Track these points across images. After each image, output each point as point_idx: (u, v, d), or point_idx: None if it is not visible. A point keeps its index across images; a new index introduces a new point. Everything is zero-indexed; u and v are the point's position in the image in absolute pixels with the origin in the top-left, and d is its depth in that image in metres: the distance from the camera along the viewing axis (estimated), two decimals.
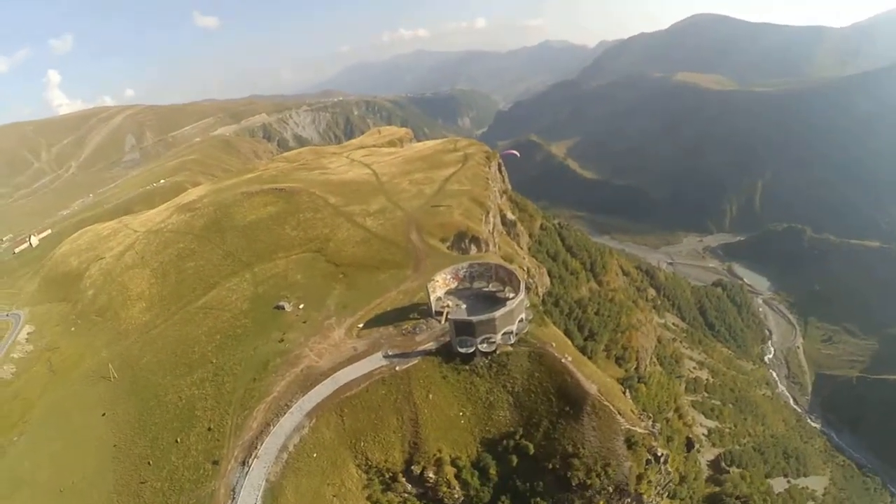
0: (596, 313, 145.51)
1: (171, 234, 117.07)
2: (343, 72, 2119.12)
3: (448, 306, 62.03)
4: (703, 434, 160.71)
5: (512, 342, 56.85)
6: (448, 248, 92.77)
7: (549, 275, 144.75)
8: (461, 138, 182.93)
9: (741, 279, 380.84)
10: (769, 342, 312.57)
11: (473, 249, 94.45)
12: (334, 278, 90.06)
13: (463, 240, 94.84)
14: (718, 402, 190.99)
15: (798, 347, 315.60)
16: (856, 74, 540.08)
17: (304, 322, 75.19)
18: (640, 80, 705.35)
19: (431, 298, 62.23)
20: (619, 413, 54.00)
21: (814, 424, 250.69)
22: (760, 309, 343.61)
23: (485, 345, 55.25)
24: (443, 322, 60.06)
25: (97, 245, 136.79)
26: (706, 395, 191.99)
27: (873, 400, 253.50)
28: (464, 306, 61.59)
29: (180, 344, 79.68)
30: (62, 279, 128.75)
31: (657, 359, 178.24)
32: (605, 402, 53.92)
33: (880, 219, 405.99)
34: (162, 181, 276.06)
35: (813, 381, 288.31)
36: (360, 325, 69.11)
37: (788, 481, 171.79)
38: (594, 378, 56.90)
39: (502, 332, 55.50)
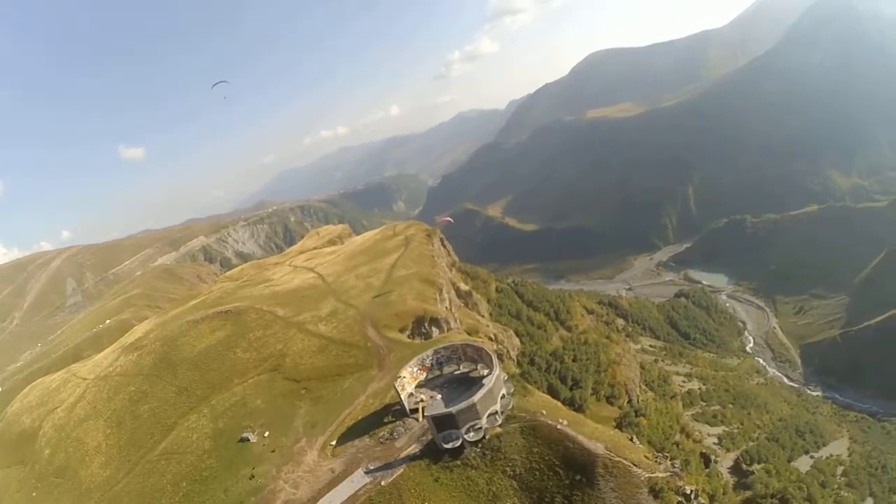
0: (574, 360, 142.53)
1: (120, 377, 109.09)
2: (273, 181, 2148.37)
3: (422, 401, 57.54)
4: (715, 443, 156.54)
5: (500, 422, 52.58)
6: (409, 336, 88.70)
7: (518, 334, 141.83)
8: (399, 222, 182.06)
9: (700, 282, 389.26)
10: (746, 332, 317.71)
11: (435, 332, 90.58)
12: (297, 396, 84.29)
13: (422, 324, 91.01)
14: (718, 407, 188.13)
15: (775, 328, 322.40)
16: (746, 64, 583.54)
17: (273, 451, 68.98)
18: (556, 127, 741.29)
19: (402, 397, 57.72)
20: (635, 464, 49.90)
21: (814, 393, 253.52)
22: (727, 304, 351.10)
23: (471, 433, 50.76)
24: (420, 420, 55.40)
25: (48, 399, 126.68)
26: (703, 404, 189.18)
27: (863, 349, 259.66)
28: (439, 397, 57.13)
29: (145, 498, 72.02)
30: (17, 440, 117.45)
31: (646, 385, 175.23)
32: (617, 458, 49.78)
33: (810, 183, 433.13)
34: (108, 321, 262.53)
35: (799, 353, 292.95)
36: (334, 443, 63.47)
37: (811, 457, 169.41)
38: (597, 435, 52.86)
39: (487, 414, 51.28)
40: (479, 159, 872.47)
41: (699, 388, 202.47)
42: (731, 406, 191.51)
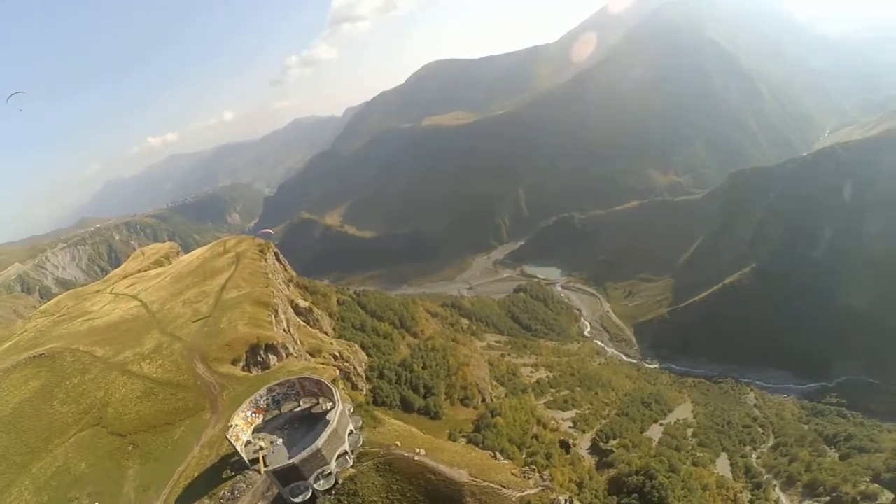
0: (423, 367, 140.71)
1: None
2: (98, 195, 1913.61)
3: (262, 448, 50.12)
4: (571, 427, 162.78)
5: (351, 463, 47.15)
6: (243, 368, 79.23)
7: (364, 347, 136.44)
8: (230, 237, 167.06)
9: (536, 277, 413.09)
10: (582, 319, 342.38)
11: (273, 360, 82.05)
12: (124, 454, 71.47)
13: (257, 353, 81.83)
14: (567, 392, 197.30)
15: (608, 311, 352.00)
16: (573, 77, 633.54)
17: None
18: (392, 134, 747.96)
19: (238, 447, 49.99)
20: (504, 486, 47.04)
21: (652, 366, 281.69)
22: (563, 295, 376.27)
23: (321, 482, 44.85)
24: (262, 472, 48.12)
25: None
26: (553, 390, 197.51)
27: (690, 323, 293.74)
28: (280, 441, 50.11)
29: None
30: None
31: (497, 381, 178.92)
32: (484, 483, 46.52)
33: (632, 182, 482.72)
34: None
35: (633, 332, 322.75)
36: None
37: (661, 424, 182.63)
38: (459, 461, 49.32)
39: (336, 456, 45.67)
40: (316, 167, 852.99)
41: (547, 377, 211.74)
42: (578, 389, 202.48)
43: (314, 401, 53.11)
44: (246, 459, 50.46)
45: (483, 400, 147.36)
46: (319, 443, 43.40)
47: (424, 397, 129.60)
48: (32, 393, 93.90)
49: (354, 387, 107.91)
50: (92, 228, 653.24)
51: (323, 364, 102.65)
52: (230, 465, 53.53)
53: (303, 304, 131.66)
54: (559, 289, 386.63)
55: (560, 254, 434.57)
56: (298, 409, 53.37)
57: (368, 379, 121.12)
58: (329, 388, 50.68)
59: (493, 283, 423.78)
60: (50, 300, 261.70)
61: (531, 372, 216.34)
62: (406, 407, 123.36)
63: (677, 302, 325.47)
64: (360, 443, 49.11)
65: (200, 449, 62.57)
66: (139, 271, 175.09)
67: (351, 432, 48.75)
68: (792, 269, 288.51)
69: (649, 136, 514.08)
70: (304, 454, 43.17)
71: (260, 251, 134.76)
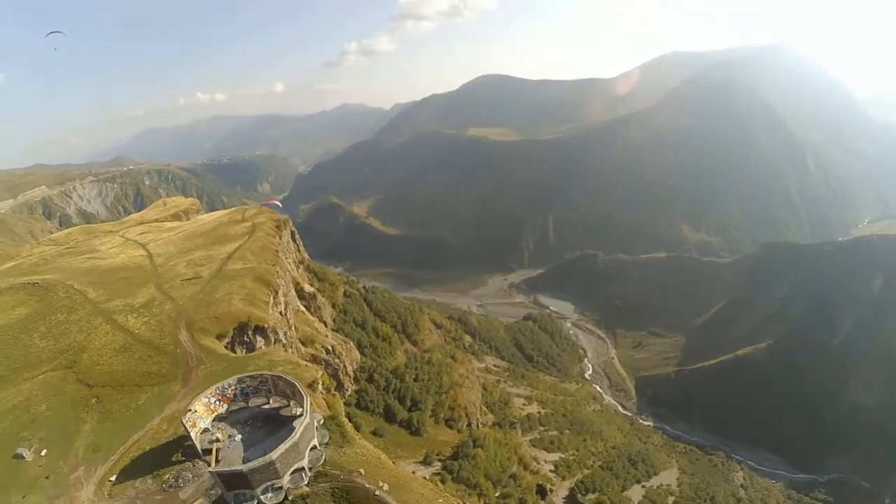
0: (415, 380, 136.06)
1: None
2: (137, 137, 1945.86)
3: (218, 440, 45.82)
4: (552, 471, 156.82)
5: (306, 482, 42.49)
6: (227, 345, 75.17)
7: (360, 346, 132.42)
8: (251, 206, 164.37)
9: (548, 308, 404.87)
10: (586, 360, 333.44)
11: (260, 342, 77.96)
12: (85, 406, 67.64)
13: (245, 333, 77.73)
14: (556, 432, 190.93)
15: (613, 358, 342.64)
16: (623, 116, 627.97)
17: (48, 477, 53.33)
18: (435, 137, 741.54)
19: (193, 434, 45.72)
20: None
21: (646, 423, 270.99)
22: (571, 332, 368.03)
23: (270, 495, 40.29)
24: (210, 468, 43.63)
25: None
26: (542, 428, 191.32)
27: (695, 386, 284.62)
28: (238, 438, 45.73)
29: None
30: None
31: (487, 407, 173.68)
32: None
33: (661, 233, 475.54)
34: None
35: (634, 384, 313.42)
36: (113, 479, 49.54)
37: (643, 486, 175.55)
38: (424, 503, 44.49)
39: (291, 471, 41.07)
40: (354, 154, 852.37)
41: (539, 412, 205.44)
42: (567, 432, 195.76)
43: (285, 402, 48.66)
44: (199, 448, 46.31)
45: (469, 424, 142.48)
46: (274, 455, 38.80)
47: (409, 410, 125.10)
48: (17, 320, 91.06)
49: (340, 386, 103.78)
50: (125, 168, 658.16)
51: (313, 355, 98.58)
52: (183, 448, 49.24)
53: (308, 288, 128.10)
54: (569, 325, 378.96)
55: (576, 290, 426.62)
56: (266, 406, 49.00)
57: (357, 379, 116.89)
58: (301, 394, 46.08)
59: (504, 306, 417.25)
60: (70, 228, 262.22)
61: (524, 404, 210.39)
62: (389, 416, 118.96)
63: (685, 363, 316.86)
64: (322, 461, 44.40)
65: (160, 421, 58.54)
66: (156, 220, 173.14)
67: (314, 447, 44.09)
68: (806, 354, 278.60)
69: (687, 189, 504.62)
70: (255, 463, 38.64)
71: (277, 226, 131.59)
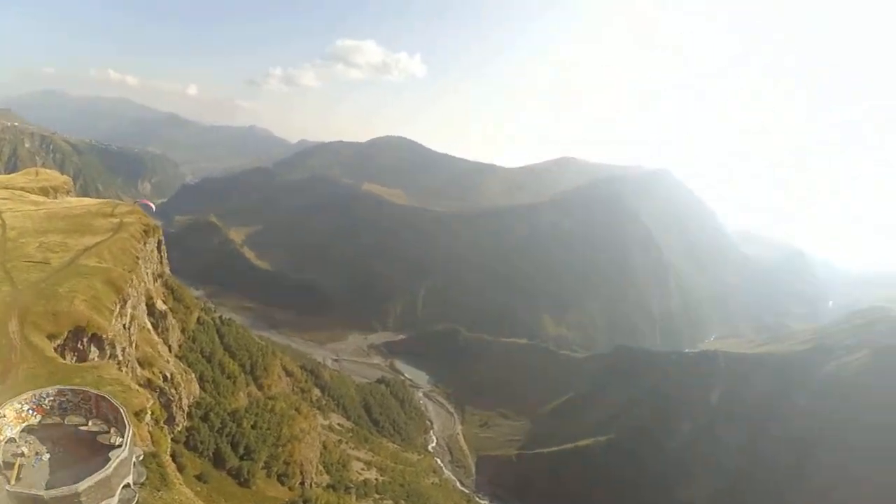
0: (253, 426, 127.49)
1: None
2: (35, 94, 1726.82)
3: (23, 455, 39.30)
4: None
5: None
6: (57, 348, 66.41)
7: (202, 379, 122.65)
8: (123, 202, 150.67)
9: (403, 374, 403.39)
10: (431, 432, 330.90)
11: (94, 353, 69.78)
12: None
13: (80, 339, 69.33)
14: (391, 502, 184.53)
15: (458, 434, 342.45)
16: (513, 206, 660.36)
17: None
18: (330, 183, 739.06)
19: None
20: None
21: (483, 502, 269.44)
22: (421, 401, 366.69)
23: None
24: (11, 483, 37.08)
25: None
26: (377, 496, 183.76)
27: (534, 471, 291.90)
28: (47, 457, 39.39)
29: None
30: None
31: (324, 467, 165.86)
32: None
33: (524, 321, 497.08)
34: None
35: (476, 462, 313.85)
36: None
37: None
38: None
39: None
40: (247, 178, 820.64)
41: (377, 479, 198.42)
42: (403, 502, 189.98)
43: (104, 428, 42.79)
44: (0, 460, 39.47)
45: (302, 483, 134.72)
46: (81, 486, 33.49)
47: (242, 459, 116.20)
48: None
49: (171, 419, 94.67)
50: (8, 124, 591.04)
51: (148, 380, 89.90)
52: None
53: (161, 306, 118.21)
54: (420, 394, 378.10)
55: (434, 361, 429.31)
56: (84, 428, 42.99)
57: (191, 416, 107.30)
58: (124, 423, 40.97)
59: (359, 365, 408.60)
60: None
61: (363, 468, 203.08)
62: (217, 462, 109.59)
63: (528, 447, 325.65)
64: (134, 501, 39.29)
65: None
66: (22, 189, 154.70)
67: (127, 486, 38.80)
68: (646, 452, 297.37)
69: (556, 285, 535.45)
70: (58, 492, 33.02)
71: (145, 231, 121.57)
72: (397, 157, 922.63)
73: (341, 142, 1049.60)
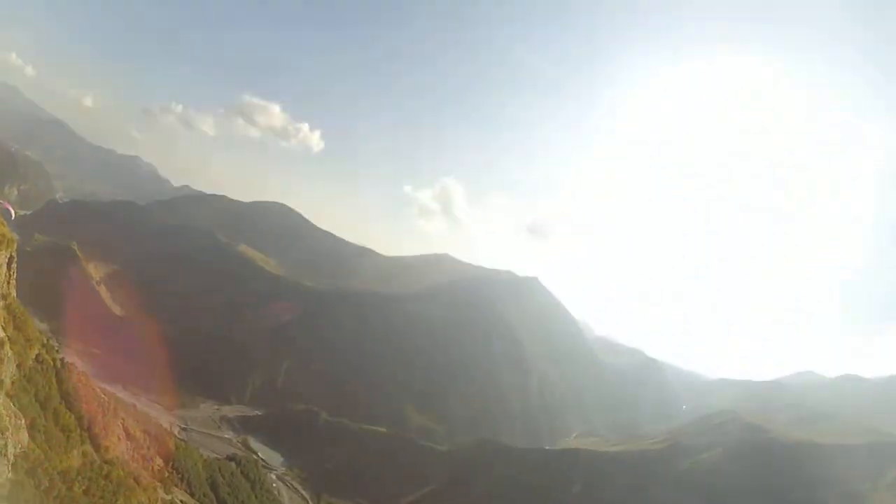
0: (85, 492, 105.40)
1: None
2: None
3: None
4: None
5: None
6: None
7: (34, 428, 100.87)
8: None
9: (256, 453, 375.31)
10: None
11: None
12: None
13: None
14: None
15: None
16: (385, 293, 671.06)
17: None
18: (206, 236, 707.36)
19: None
20: None
21: None
22: (274, 485, 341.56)
23: None
24: None
25: None
26: None
27: None
28: None
29: None
30: None
31: None
32: None
33: (388, 409, 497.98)
34: None
35: None
36: None
37: None
38: None
39: None
40: (120, 210, 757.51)
41: None
42: None
43: None
44: None
45: None
46: None
47: None
48: None
49: None
50: None
51: None
52: None
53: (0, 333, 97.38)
54: (273, 477, 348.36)
55: (290, 443, 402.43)
56: None
57: (15, 467, 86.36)
58: None
59: (210, 438, 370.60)
60: None
61: None
62: None
63: None
64: None
65: None
66: None
67: None
68: None
69: (421, 376, 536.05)
70: None
71: None
72: (278, 223, 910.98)
73: (224, 197, 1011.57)
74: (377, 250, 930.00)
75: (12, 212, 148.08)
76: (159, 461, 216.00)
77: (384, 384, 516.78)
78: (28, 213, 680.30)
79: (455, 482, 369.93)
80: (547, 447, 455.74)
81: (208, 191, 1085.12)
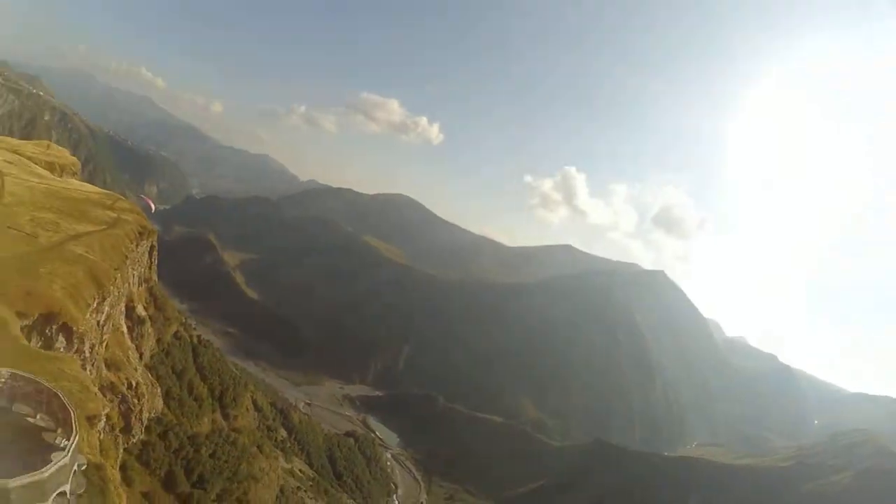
0: (211, 455, 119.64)
1: None
2: (62, 71, 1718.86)
3: None
4: None
5: None
6: (25, 329, 61.14)
7: (168, 396, 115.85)
8: (123, 198, 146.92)
9: (374, 432, 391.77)
10: (394, 496, 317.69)
11: (60, 344, 64.49)
12: None
13: (49, 325, 64.08)
14: None
15: (422, 503, 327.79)
16: (507, 283, 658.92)
17: None
18: (332, 228, 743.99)
19: None
20: None
21: None
22: (389, 463, 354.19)
23: None
24: None
25: None
26: None
27: None
28: None
29: None
30: None
31: None
32: None
33: (504, 399, 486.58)
34: None
35: None
36: None
37: None
38: None
39: None
40: (252, 205, 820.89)
41: None
42: None
43: (52, 425, 37.77)
44: None
45: None
46: (12, 484, 28.54)
47: (193, 485, 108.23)
48: None
49: (128, 428, 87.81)
50: (37, 92, 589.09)
51: (112, 384, 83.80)
52: None
53: (141, 311, 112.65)
54: (389, 456, 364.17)
55: (408, 425, 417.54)
56: (30, 420, 37.96)
57: (149, 430, 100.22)
58: (72, 428, 35.89)
59: (331, 414, 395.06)
60: None
61: None
62: (168, 483, 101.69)
63: None
64: None
65: None
66: (30, 157, 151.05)
67: (62, 493, 33.53)
68: None
69: (540, 369, 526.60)
70: None
71: (140, 233, 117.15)
72: (401, 215, 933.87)
73: (350, 190, 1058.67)
74: (499, 240, 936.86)
75: (152, 206, 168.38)
76: (283, 432, 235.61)
77: (502, 374, 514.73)
78: (167, 207, 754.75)
79: (566, 481, 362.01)
80: (666, 453, 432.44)
81: (334, 185, 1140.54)
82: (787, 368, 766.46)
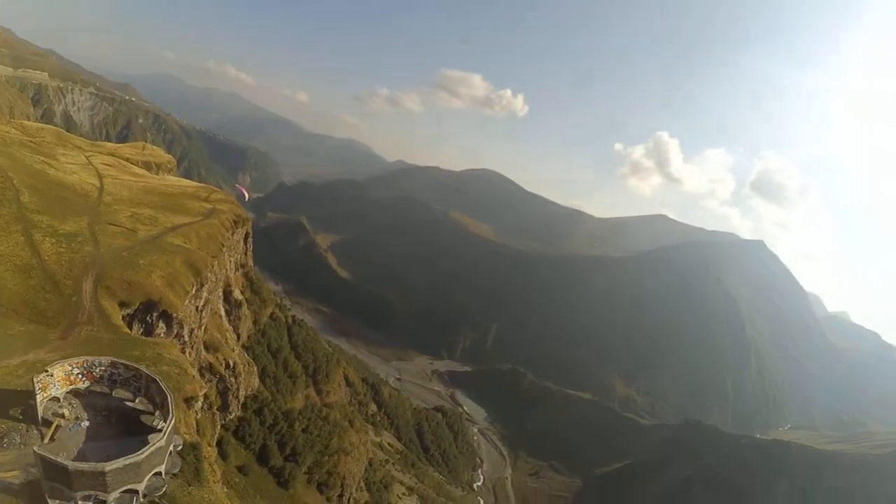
0: (304, 430, 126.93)
1: None
2: (152, 76, 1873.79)
3: (63, 417, 38.73)
4: None
5: None
6: (125, 317, 67.48)
7: (263, 374, 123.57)
8: (218, 190, 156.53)
9: (462, 407, 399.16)
10: (479, 470, 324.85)
11: (160, 330, 70.63)
12: None
13: (150, 312, 70.28)
14: None
15: (507, 478, 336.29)
16: (596, 257, 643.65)
17: None
18: (420, 206, 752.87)
19: (39, 398, 38.64)
20: None
21: None
22: (475, 438, 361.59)
23: None
24: (45, 440, 36.37)
25: None
26: None
27: None
28: (85, 424, 38.82)
29: None
30: None
31: (365, 484, 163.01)
32: None
33: (593, 376, 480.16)
34: None
35: None
36: None
37: None
38: None
39: (121, 490, 34.08)
40: (341, 188, 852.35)
41: None
42: None
43: (150, 408, 41.83)
44: (39, 415, 39.10)
45: (341, 496, 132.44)
46: (108, 467, 32.12)
47: (286, 459, 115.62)
48: None
49: (225, 406, 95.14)
50: (128, 97, 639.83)
51: (211, 364, 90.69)
52: (25, 406, 41.74)
53: (238, 295, 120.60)
54: (475, 430, 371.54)
55: (495, 400, 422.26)
56: (129, 404, 42.17)
57: (245, 407, 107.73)
58: (169, 411, 39.49)
59: (420, 389, 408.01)
60: (48, 125, 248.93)
61: (404, 493, 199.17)
62: (262, 457, 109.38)
63: None
64: (162, 490, 37.55)
65: (20, 364, 50.31)
66: (127, 160, 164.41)
67: (158, 474, 37.17)
68: None
69: (630, 346, 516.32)
70: (84, 466, 31.73)
71: (234, 221, 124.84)
72: (488, 190, 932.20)
73: (437, 168, 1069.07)
74: (589, 212, 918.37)
75: (246, 195, 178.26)
76: (373, 406, 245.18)
77: (592, 351, 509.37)
78: (260, 195, 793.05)
79: (655, 460, 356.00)
80: (758, 435, 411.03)
81: (421, 163, 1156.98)
82: (890, 348, 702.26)
